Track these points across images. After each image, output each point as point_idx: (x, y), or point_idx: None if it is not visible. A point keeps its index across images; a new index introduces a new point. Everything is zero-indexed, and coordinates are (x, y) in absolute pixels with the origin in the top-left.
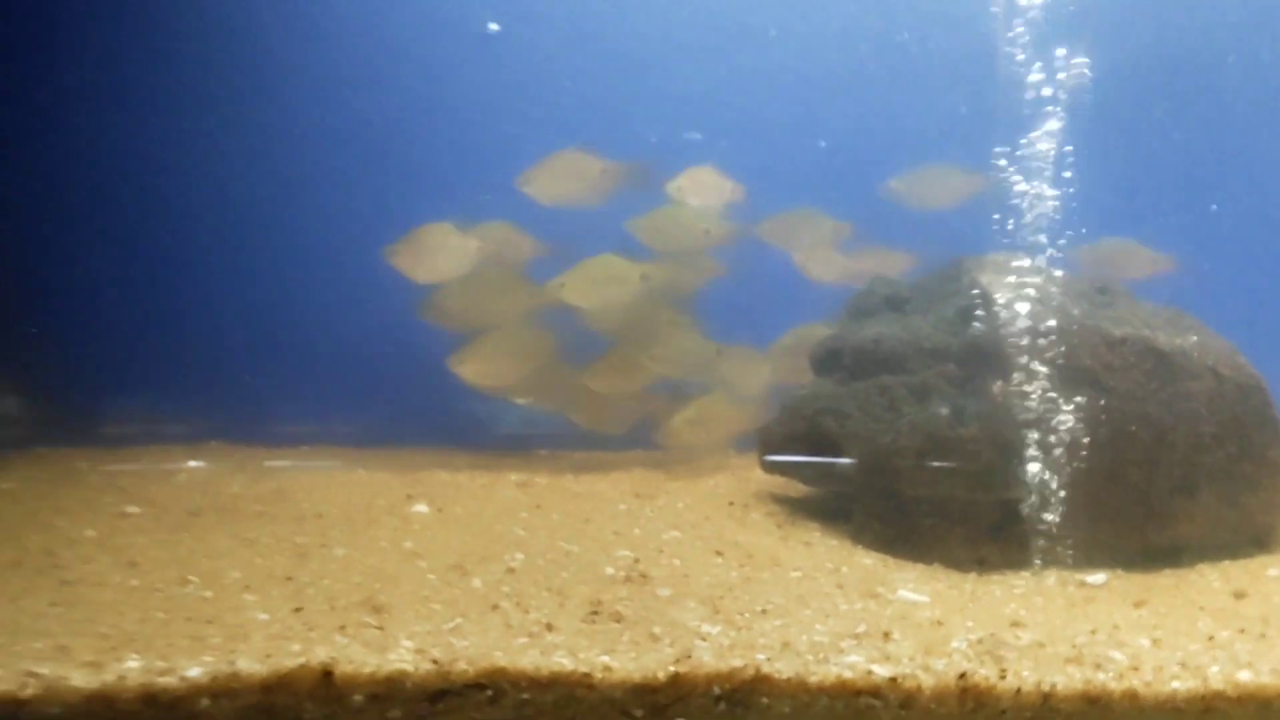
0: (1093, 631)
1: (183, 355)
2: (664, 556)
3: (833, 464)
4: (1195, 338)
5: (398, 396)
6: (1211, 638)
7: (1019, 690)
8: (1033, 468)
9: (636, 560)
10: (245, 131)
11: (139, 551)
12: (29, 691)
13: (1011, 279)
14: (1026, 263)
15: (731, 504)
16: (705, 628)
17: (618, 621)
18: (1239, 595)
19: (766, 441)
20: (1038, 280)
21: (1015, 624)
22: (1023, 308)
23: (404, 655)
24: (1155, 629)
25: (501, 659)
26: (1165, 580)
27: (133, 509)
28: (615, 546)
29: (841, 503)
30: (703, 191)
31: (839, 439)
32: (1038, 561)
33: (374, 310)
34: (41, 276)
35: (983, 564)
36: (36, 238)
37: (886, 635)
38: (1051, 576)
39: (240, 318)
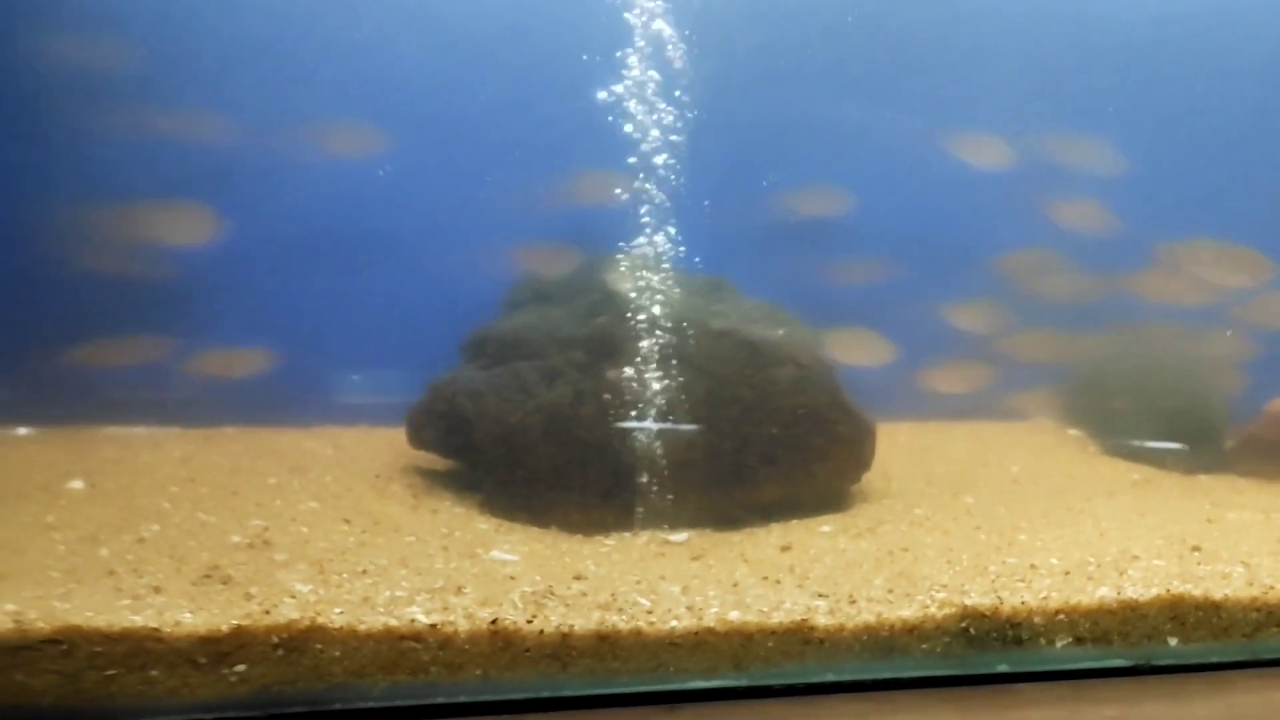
0: (637, 581)
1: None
2: (294, 525)
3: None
4: (783, 331)
5: None
6: (736, 584)
7: (542, 632)
8: (641, 442)
9: (265, 528)
10: None
11: None
12: None
13: (636, 276)
14: (652, 262)
15: (377, 476)
16: (299, 587)
17: (224, 584)
18: (785, 548)
19: (411, 419)
20: (658, 278)
21: (578, 577)
22: (642, 302)
23: None
24: (694, 578)
25: (76, 618)
26: (737, 537)
27: None
28: (252, 516)
29: (476, 475)
30: None
31: (473, 418)
32: (638, 524)
33: None
34: None
35: (593, 527)
36: None
37: (459, 589)
38: (644, 537)
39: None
